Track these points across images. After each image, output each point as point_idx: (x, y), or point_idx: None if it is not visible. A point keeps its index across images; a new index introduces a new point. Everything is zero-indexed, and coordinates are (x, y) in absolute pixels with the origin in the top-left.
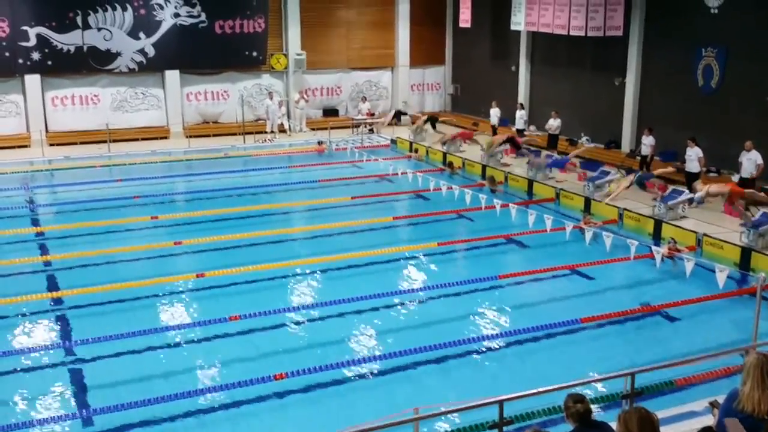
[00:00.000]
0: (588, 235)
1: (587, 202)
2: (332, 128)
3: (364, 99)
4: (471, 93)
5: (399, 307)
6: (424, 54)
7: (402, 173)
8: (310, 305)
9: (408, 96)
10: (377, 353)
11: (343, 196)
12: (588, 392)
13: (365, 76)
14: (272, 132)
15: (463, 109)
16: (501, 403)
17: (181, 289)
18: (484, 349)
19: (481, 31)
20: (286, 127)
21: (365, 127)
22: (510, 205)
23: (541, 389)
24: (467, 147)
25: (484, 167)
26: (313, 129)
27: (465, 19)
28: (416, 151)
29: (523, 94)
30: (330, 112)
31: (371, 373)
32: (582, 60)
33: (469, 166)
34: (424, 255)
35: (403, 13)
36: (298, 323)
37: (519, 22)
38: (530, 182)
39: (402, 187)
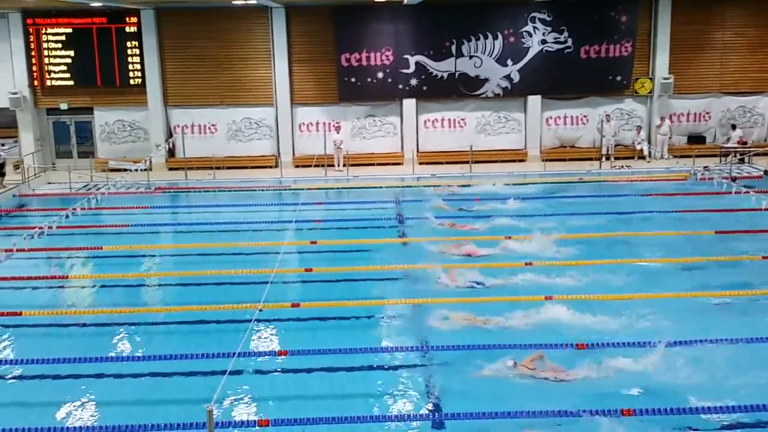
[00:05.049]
0: None
1: None
2: (697, 156)
3: (734, 126)
4: None
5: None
6: None
7: None
8: (657, 342)
9: None
10: (735, 401)
11: (705, 230)
12: None
13: (738, 101)
14: (607, 155)
15: None
16: None
17: (528, 310)
18: None
19: None
20: (645, 153)
21: (735, 156)
22: None
23: None
24: None
25: None
26: (675, 156)
27: None
28: None
29: None
30: (695, 138)
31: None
32: None
33: None
34: None
35: None
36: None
37: None
38: None
39: None
